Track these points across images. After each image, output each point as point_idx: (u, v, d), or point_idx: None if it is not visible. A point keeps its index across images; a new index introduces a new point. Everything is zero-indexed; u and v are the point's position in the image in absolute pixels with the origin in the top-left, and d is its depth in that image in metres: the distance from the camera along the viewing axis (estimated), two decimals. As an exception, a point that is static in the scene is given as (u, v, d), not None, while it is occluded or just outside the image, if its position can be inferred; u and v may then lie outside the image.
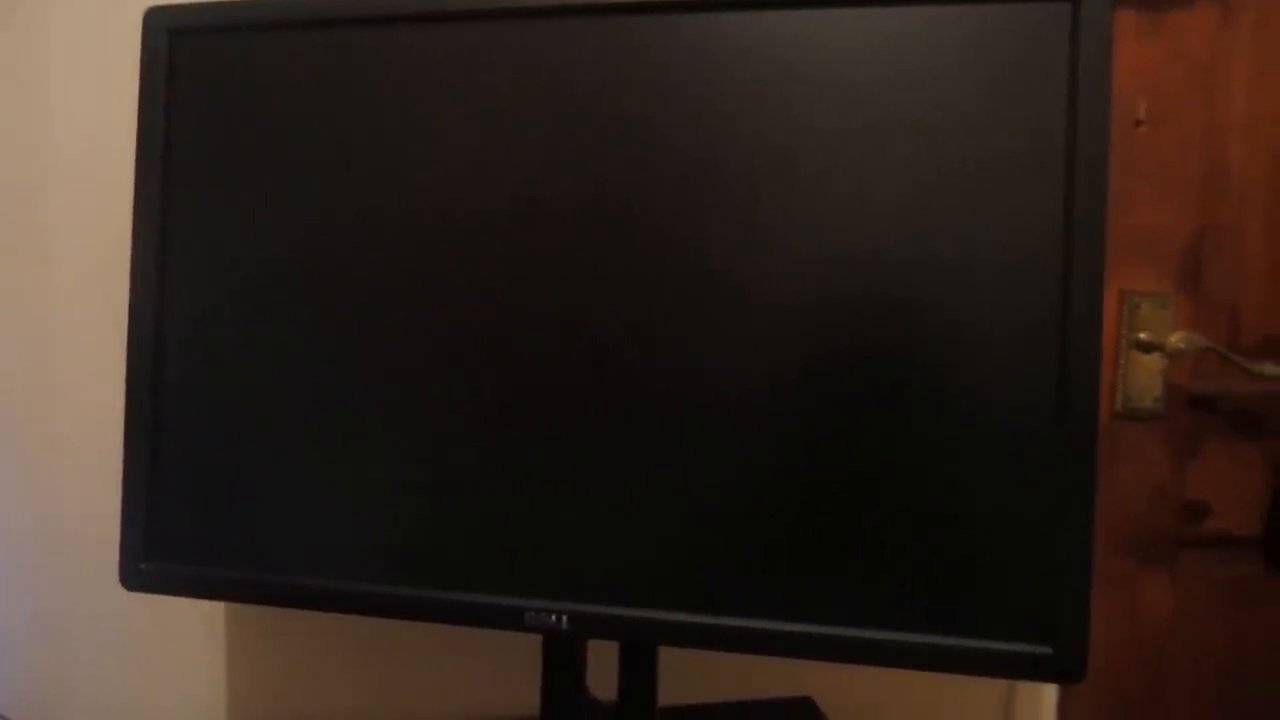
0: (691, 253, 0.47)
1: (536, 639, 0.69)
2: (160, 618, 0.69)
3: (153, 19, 0.51)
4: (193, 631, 0.69)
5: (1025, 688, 0.83)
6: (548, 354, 0.48)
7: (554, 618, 0.48)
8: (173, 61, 0.52)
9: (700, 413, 0.47)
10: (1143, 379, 0.92)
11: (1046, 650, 0.43)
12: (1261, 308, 0.95)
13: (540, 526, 0.49)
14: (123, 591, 0.68)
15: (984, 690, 0.81)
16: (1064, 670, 0.43)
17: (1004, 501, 0.44)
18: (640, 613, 0.48)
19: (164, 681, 0.69)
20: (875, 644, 0.45)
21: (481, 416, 0.49)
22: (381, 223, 0.50)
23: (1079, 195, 0.44)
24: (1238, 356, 0.88)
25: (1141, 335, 0.90)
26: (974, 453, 0.45)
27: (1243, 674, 1.00)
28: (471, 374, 0.49)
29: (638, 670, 0.56)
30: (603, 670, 0.60)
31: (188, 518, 0.53)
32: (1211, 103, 0.96)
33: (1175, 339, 0.87)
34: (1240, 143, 0.96)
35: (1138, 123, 0.93)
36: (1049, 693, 0.84)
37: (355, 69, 0.50)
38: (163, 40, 0.52)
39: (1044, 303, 0.44)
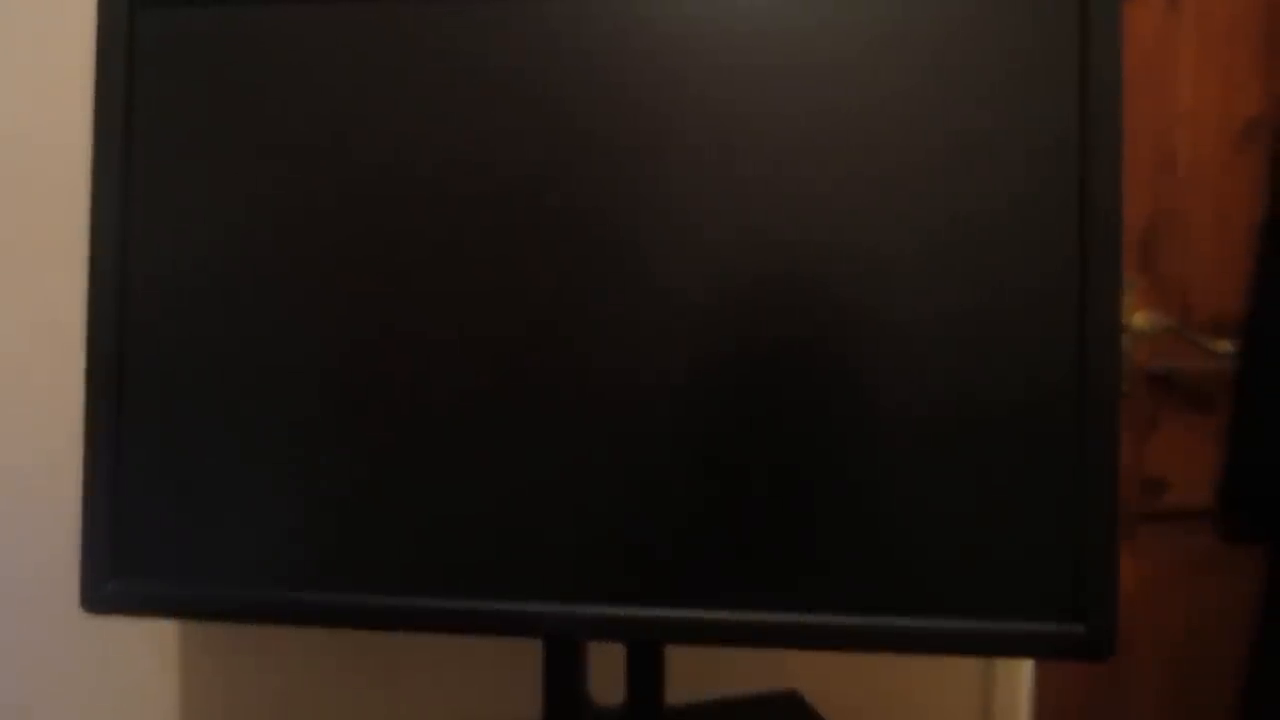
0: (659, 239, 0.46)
1: (530, 644, 0.67)
2: (117, 644, 0.64)
3: (110, -12, 0.48)
4: (157, 656, 0.65)
5: (1003, 666, 0.84)
6: (507, 347, 0.47)
7: (570, 621, 0.47)
8: (133, 34, 0.49)
9: (688, 397, 0.46)
10: (1104, 360, 0.94)
11: (1079, 629, 0.43)
12: (1210, 289, 0.98)
13: (541, 527, 0.47)
14: (76, 617, 0.63)
15: (964, 666, 0.82)
16: (1099, 649, 0.42)
17: (1026, 477, 0.44)
18: (650, 612, 0.47)
19: (127, 715, 0.65)
20: (900, 631, 0.45)
21: (450, 406, 0.47)
22: (329, 209, 0.48)
23: (1094, 175, 0.44)
24: (1196, 335, 0.91)
25: (1103, 317, 0.92)
26: (992, 427, 0.44)
27: (1197, 641, 1.04)
28: (435, 365, 0.47)
29: (646, 671, 0.55)
30: (598, 675, 0.59)
31: (161, 529, 0.49)
32: (1160, 92, 0.99)
33: (1139, 320, 0.90)
34: (1187, 130, 0.99)
35: (1094, 109, 0.95)
36: (1026, 669, 0.85)
37: (305, 45, 0.48)
38: (123, 10, 0.48)
39: (1062, 273, 0.44)
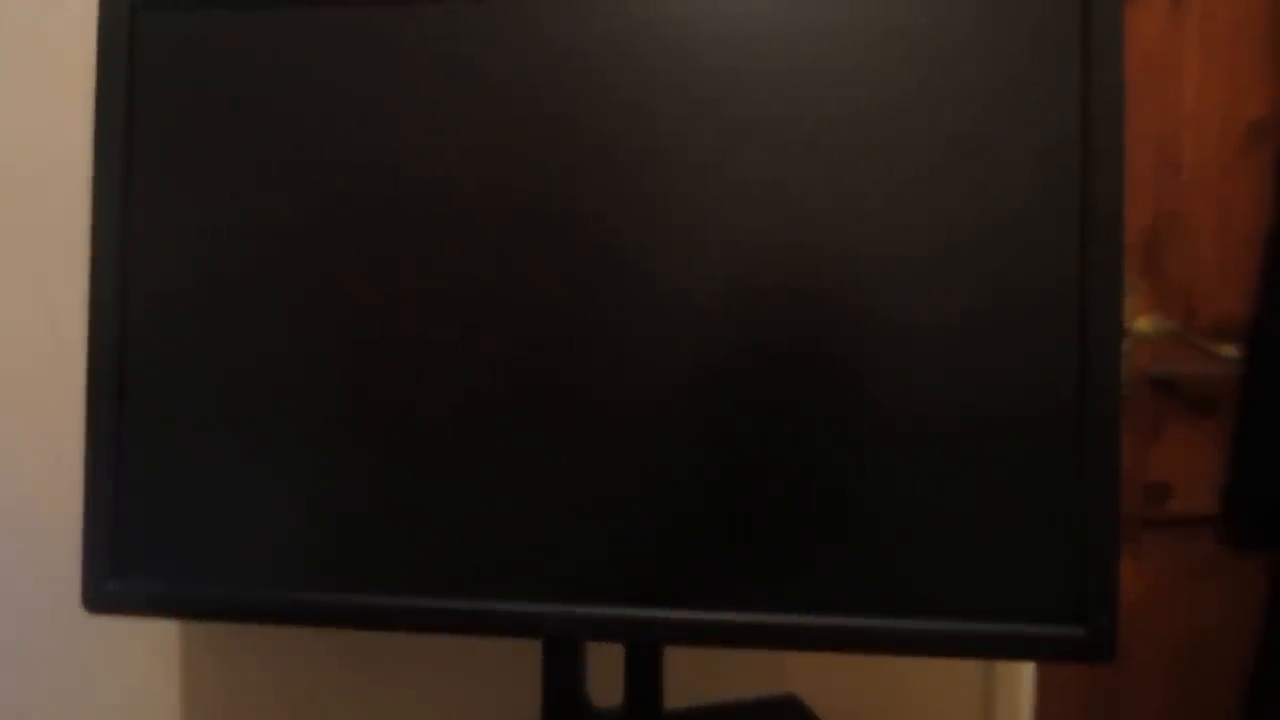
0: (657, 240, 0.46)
1: (530, 645, 0.67)
2: (117, 644, 0.64)
3: (112, -10, 0.48)
4: (157, 656, 0.65)
5: (1004, 670, 0.84)
6: (508, 349, 0.47)
7: (570, 621, 0.47)
8: (135, 36, 0.49)
9: (691, 399, 0.46)
10: (1107, 363, 0.94)
11: (1080, 631, 0.43)
12: (1214, 292, 0.98)
13: (542, 528, 0.47)
14: (76, 617, 0.63)
15: (965, 669, 0.81)
16: (1099, 651, 0.42)
17: (1027, 480, 0.44)
18: (650, 612, 0.47)
19: (127, 714, 0.65)
20: (900, 633, 0.45)
21: (451, 406, 0.47)
22: (329, 211, 0.48)
23: (1095, 179, 0.44)
24: (1200, 339, 0.90)
25: (1106, 321, 0.92)
26: (994, 430, 0.44)
27: (1199, 647, 1.03)
28: (436, 367, 0.48)
29: (645, 673, 0.55)
30: (597, 676, 0.59)
31: (162, 528, 0.49)
32: (1163, 94, 0.99)
33: (1142, 324, 0.89)
34: (1191, 132, 0.99)
35: (1098, 113, 0.95)
36: (1027, 674, 0.85)
37: (305, 48, 0.49)
38: (124, 12, 0.48)
39: (1063, 276, 0.44)
